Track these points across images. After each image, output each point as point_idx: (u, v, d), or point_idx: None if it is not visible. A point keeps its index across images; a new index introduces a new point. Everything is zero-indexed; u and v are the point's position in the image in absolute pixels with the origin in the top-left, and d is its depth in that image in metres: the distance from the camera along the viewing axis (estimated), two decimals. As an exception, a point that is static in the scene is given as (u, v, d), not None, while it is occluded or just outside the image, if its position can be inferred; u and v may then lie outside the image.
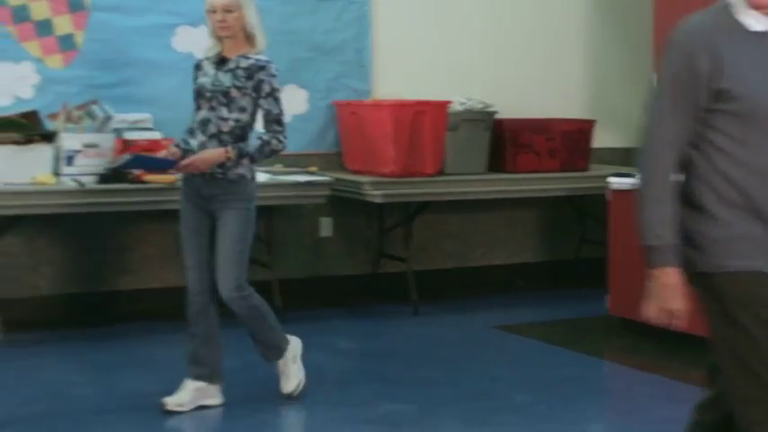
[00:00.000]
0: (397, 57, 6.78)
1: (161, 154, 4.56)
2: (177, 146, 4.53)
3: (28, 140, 5.47)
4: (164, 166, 4.62)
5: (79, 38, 6.00)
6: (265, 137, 4.40)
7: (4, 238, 5.74)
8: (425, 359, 5.41)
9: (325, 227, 6.69)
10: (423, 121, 6.19)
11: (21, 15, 5.86)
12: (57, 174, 5.51)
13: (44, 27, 5.93)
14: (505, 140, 6.60)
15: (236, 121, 4.40)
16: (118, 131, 5.72)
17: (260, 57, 4.45)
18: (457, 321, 6.27)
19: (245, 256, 4.42)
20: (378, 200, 6.17)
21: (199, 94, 4.47)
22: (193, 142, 4.46)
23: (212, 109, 4.41)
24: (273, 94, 4.41)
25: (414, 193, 6.30)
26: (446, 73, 6.90)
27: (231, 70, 4.41)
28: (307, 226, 6.64)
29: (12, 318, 5.75)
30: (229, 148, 4.34)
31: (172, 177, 5.34)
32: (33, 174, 5.40)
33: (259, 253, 6.35)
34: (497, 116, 6.61)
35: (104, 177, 5.48)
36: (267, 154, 4.42)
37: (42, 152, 5.48)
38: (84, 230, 6.07)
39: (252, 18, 4.45)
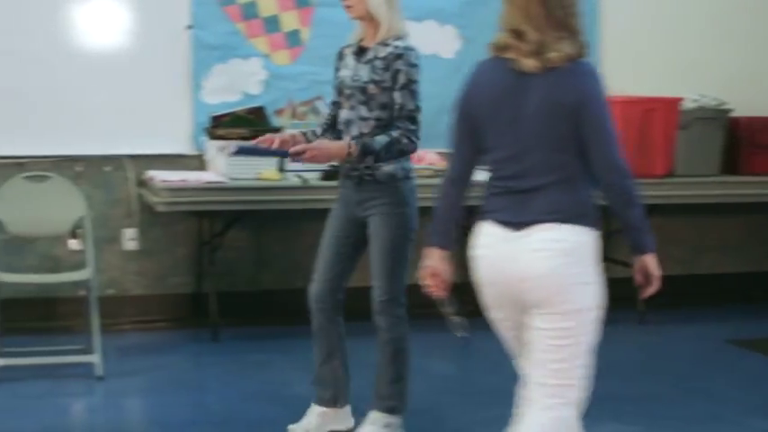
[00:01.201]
0: (626, 51, 6.50)
1: (275, 144, 4.01)
2: (304, 134, 4.11)
3: (254, 136, 5.51)
4: (275, 155, 4.21)
5: (305, 34, 6.03)
6: (395, 133, 3.84)
7: (230, 233, 5.83)
8: (651, 373, 5.17)
9: (547, 228, 6.49)
10: (653, 119, 5.97)
11: (249, 12, 5.93)
12: (281, 170, 5.57)
13: (272, 23, 5.98)
14: (741, 140, 6.30)
15: (378, 119, 3.90)
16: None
17: (399, 43, 3.88)
18: (685, 333, 5.96)
19: (400, 266, 3.94)
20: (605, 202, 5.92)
21: (339, 90, 4.02)
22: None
23: (352, 108, 3.95)
24: (409, 87, 3.86)
25: (642, 195, 6.00)
26: (677, 68, 6.58)
27: (370, 61, 3.90)
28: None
29: (233, 311, 5.86)
30: (352, 142, 3.85)
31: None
32: (259, 170, 5.48)
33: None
34: (732, 114, 6.28)
35: (328, 174, 5.48)
36: (395, 154, 3.86)
37: (268, 148, 5.57)
38: (308, 226, 6.09)
39: (375, 0, 3.88)
